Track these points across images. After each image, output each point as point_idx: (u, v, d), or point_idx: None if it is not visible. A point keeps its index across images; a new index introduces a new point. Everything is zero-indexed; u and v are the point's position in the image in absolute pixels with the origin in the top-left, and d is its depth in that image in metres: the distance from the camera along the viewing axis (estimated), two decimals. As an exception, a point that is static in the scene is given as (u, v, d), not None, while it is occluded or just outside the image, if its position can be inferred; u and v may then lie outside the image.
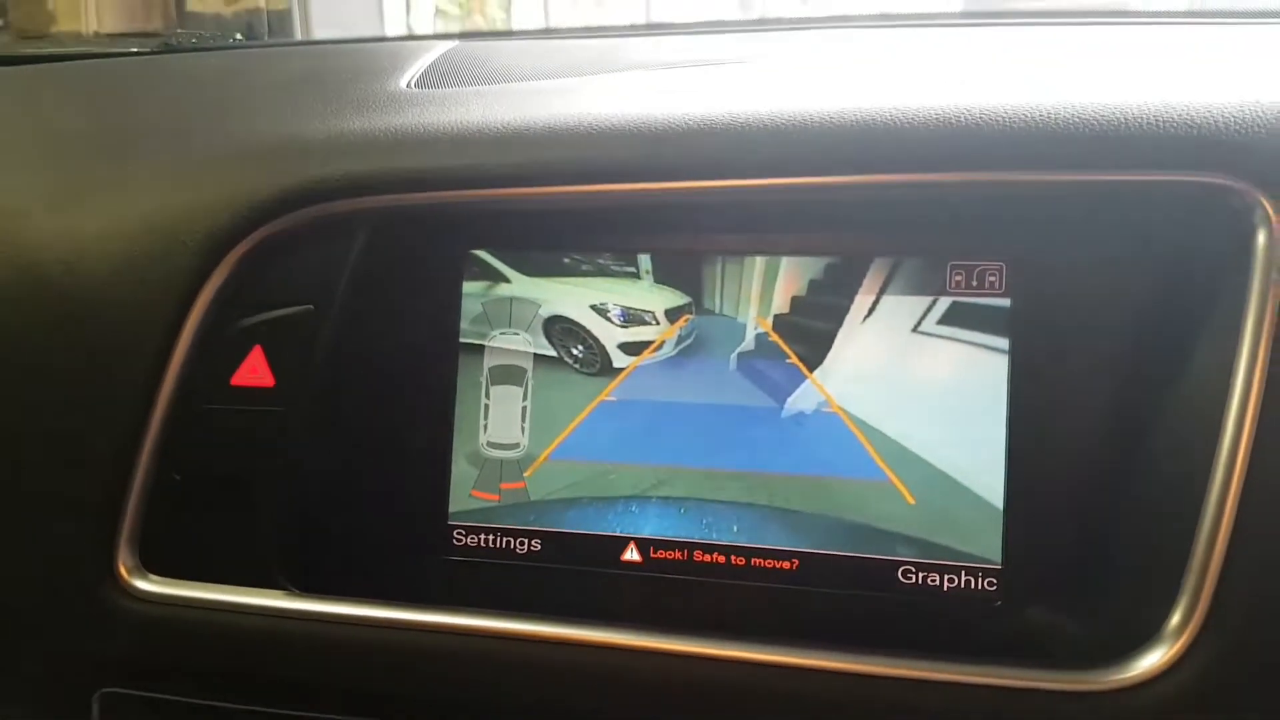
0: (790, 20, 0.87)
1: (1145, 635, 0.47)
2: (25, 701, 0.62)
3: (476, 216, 0.60)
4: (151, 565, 0.57)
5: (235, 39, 1.18)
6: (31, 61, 0.94)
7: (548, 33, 1.04)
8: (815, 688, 0.50)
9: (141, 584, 0.57)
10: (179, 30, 1.20)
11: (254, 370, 0.57)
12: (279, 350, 0.57)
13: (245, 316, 0.57)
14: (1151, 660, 0.46)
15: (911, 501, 0.54)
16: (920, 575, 0.54)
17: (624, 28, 0.97)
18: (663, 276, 0.58)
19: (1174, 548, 0.47)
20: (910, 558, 0.54)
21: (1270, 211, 0.47)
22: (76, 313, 0.58)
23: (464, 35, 0.89)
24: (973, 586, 0.53)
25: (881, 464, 0.55)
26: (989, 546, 0.53)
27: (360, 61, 0.75)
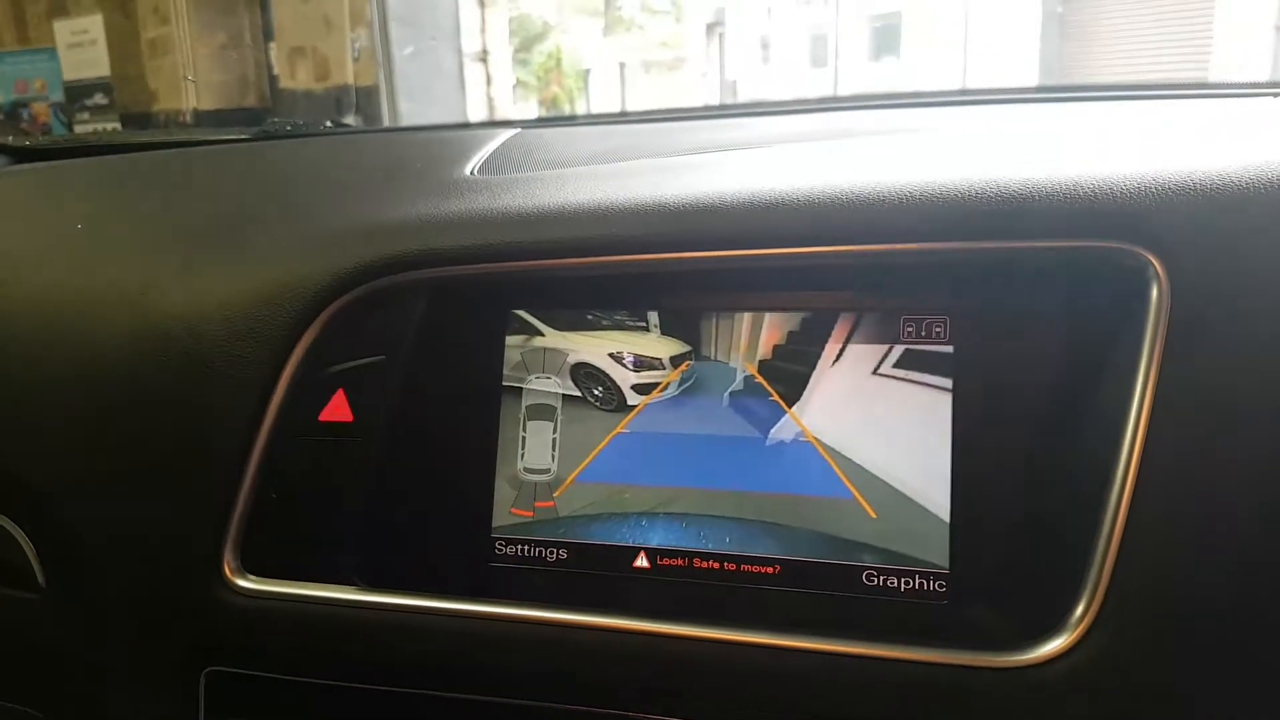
0: (789, 104, 0.98)
1: (1056, 626, 0.55)
2: (142, 679, 0.72)
3: (517, 283, 0.70)
4: (251, 566, 0.67)
5: (326, 126, 1.29)
6: (148, 148, 1.06)
7: (596, 118, 1.16)
8: (791, 663, 0.59)
9: (243, 582, 0.67)
10: (274, 120, 1.32)
11: (338, 408, 0.67)
12: (358, 392, 0.67)
13: (331, 365, 0.67)
14: (1054, 644, 0.54)
15: (873, 516, 0.63)
16: (881, 578, 0.63)
17: (663, 112, 1.09)
18: (668, 330, 0.68)
19: (1081, 555, 0.55)
20: (872, 564, 0.63)
21: (1160, 271, 0.55)
22: (196, 363, 0.68)
23: (525, 123, 1.01)
24: (925, 588, 0.62)
25: (848, 484, 0.64)
26: (938, 554, 0.62)
27: (433, 150, 0.85)
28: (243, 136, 1.17)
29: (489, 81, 5.50)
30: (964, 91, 1.02)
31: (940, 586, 0.62)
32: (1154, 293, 0.56)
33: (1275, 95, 0.84)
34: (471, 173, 0.77)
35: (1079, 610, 0.54)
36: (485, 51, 5.50)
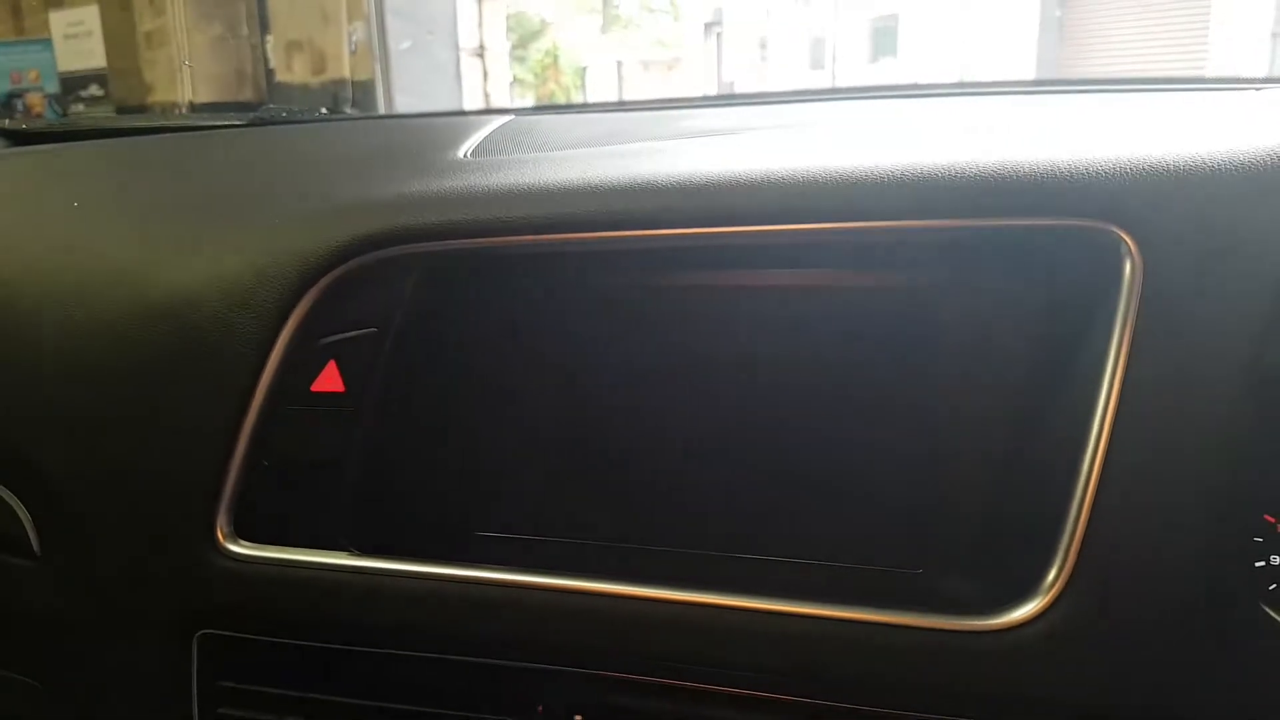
0: (782, 94, 1.00)
1: (1028, 590, 0.57)
2: (136, 642, 0.74)
3: (508, 258, 0.70)
4: (243, 532, 0.69)
5: (321, 112, 1.30)
6: (145, 133, 1.07)
7: (590, 107, 1.17)
8: (769, 626, 0.61)
9: (235, 547, 0.68)
10: (270, 105, 1.33)
11: (329, 379, 0.68)
12: (350, 363, 0.68)
13: (323, 337, 0.68)
14: (1027, 609, 0.56)
15: (853, 489, 0.65)
16: None
17: (651, 102, 1.10)
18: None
19: (1053, 525, 0.57)
20: None
21: (1133, 248, 0.57)
22: (194, 337, 0.69)
23: (519, 110, 1.02)
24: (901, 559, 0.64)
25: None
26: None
27: (430, 135, 0.86)
28: (238, 122, 1.18)
29: (486, 77, 5.51)
30: (954, 84, 1.03)
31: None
32: (1127, 269, 0.57)
33: (1258, 89, 0.86)
34: (465, 155, 0.78)
35: (1051, 575, 0.56)
36: (482, 47, 5.51)
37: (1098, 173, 0.58)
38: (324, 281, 0.68)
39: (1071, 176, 0.59)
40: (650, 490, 0.68)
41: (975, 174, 0.60)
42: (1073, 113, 0.82)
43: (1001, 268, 0.64)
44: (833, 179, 0.62)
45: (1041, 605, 0.56)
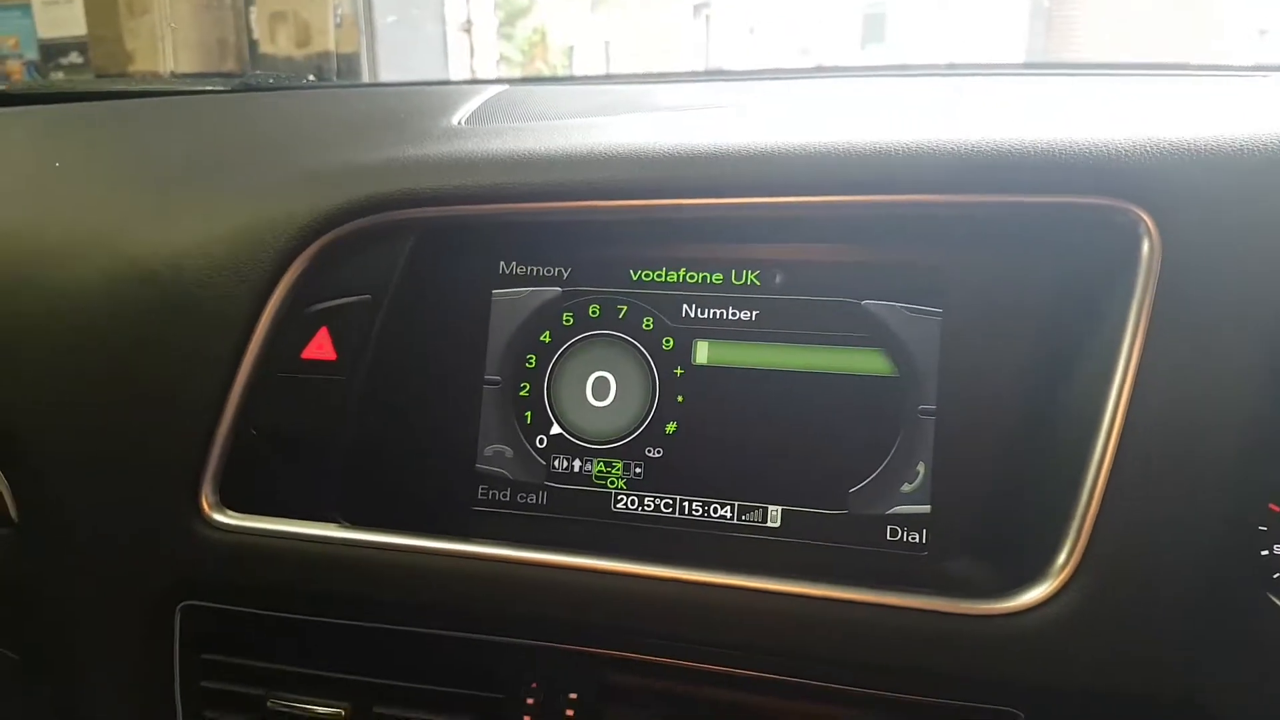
0: (777, 71, 0.98)
1: (1038, 574, 0.56)
2: (116, 613, 0.72)
3: (503, 227, 0.69)
4: (230, 502, 0.67)
5: (308, 80, 1.28)
6: (126, 97, 1.04)
7: (582, 79, 1.15)
8: (774, 606, 0.59)
9: (221, 518, 0.66)
10: (255, 72, 1.30)
11: (320, 347, 0.66)
12: (341, 331, 0.66)
13: (315, 303, 0.67)
14: (1037, 592, 0.55)
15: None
16: None
17: (645, 75, 1.08)
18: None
19: (1064, 507, 0.56)
20: None
21: (1151, 227, 0.56)
22: (179, 301, 0.67)
23: (513, 80, 1.00)
24: (906, 540, 0.63)
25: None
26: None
27: (423, 102, 0.84)
28: (222, 88, 1.15)
29: (472, 53, 5.44)
30: (955, 65, 1.02)
31: (920, 539, 0.63)
32: (1145, 248, 0.56)
33: (1265, 75, 0.85)
34: (459, 123, 0.76)
35: (1061, 558, 0.55)
36: (470, 22, 5.46)
37: (1117, 151, 0.58)
38: (315, 246, 0.66)
39: (1090, 155, 0.58)
40: (649, 460, 0.67)
41: (992, 150, 0.59)
42: (1081, 93, 0.81)
43: (1018, 245, 0.62)
44: (845, 152, 0.61)
45: (1052, 589, 0.55)
